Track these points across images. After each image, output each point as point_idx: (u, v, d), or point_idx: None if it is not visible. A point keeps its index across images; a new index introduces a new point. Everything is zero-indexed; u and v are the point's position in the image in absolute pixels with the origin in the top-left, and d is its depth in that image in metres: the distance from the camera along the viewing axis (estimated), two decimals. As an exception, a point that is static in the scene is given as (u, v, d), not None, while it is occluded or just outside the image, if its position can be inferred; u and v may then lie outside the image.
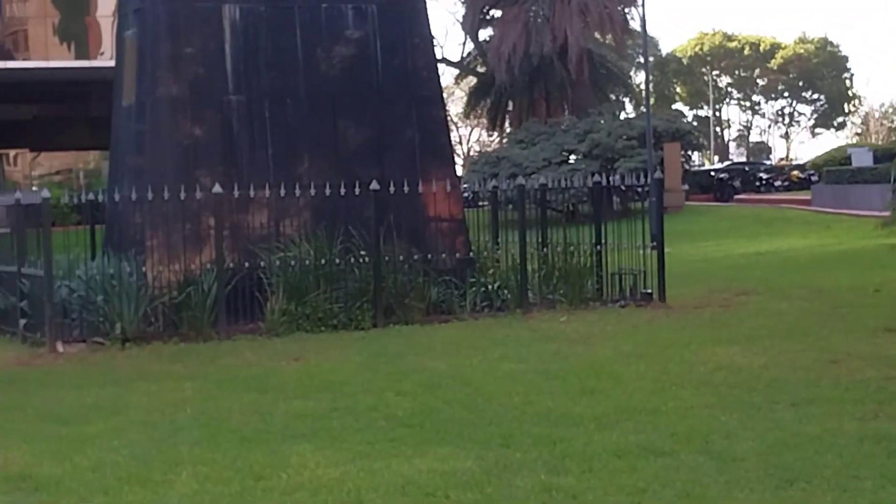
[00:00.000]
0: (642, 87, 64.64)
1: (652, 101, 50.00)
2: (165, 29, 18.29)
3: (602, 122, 48.67)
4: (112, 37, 49.08)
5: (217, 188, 17.17)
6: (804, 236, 33.33)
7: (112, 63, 22.89)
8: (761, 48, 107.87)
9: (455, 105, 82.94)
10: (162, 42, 18.28)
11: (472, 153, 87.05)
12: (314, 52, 18.92)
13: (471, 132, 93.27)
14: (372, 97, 19.15)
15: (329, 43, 19.00)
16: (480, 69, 60.44)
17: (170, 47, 18.24)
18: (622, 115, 57.70)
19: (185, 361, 14.63)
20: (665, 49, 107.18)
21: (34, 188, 53.51)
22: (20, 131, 59.31)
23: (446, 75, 74.62)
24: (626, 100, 67.83)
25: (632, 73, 76.60)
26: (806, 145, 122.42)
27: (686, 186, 49.68)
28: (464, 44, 65.14)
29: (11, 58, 54.41)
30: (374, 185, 17.59)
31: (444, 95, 23.21)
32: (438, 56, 48.65)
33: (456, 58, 66.71)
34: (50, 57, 54.28)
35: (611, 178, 20.33)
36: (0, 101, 58.59)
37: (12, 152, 61.16)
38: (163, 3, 18.33)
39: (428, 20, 20.09)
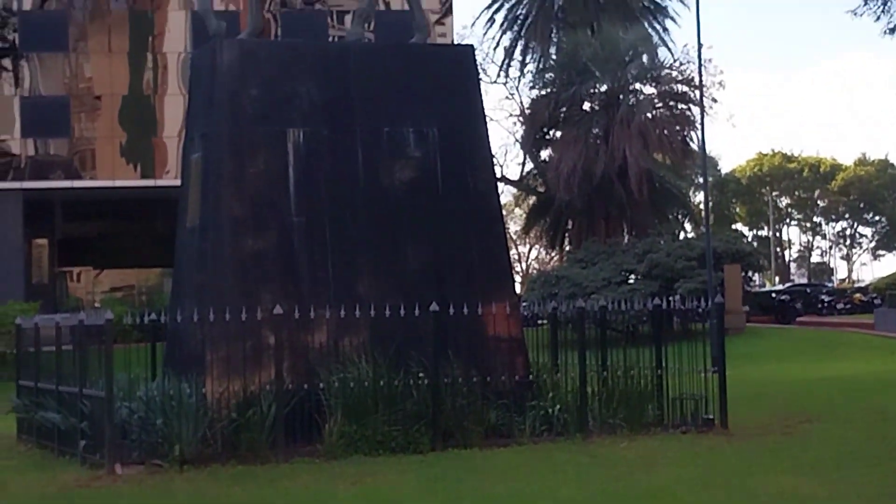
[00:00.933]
0: (701, 207, 64.64)
1: (711, 221, 49.90)
2: (230, 152, 18.56)
3: (661, 242, 48.57)
4: (178, 156, 49.95)
5: (278, 308, 17.24)
6: (868, 361, 32.86)
7: (177, 182, 23.25)
8: (821, 169, 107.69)
9: (514, 223, 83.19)
10: (226, 164, 18.54)
11: (530, 271, 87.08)
12: (375, 174, 19.11)
13: (529, 250, 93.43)
14: (432, 217, 19.27)
15: (390, 164, 19.20)
16: (540, 188, 60.70)
17: (234, 169, 18.50)
18: (682, 236, 57.56)
19: (242, 484, 14.58)
20: (724, 169, 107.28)
21: (96, 305, 54.15)
22: (84, 249, 60.22)
23: (505, 194, 75.05)
24: (686, 220, 67.72)
25: (691, 194, 76.60)
26: (868, 267, 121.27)
27: (747, 308, 49.28)
28: (523, 163, 65.45)
29: (79, 177, 55.47)
30: (434, 307, 17.58)
31: (504, 214, 23.29)
32: (498, 175, 49.03)
33: (515, 176, 67.01)
34: (116, 176, 55.27)
35: (671, 301, 20.22)
36: (66, 219, 59.63)
37: (76, 269, 61.97)
38: (228, 126, 18.64)
39: (488, 141, 20.27)
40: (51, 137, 55.52)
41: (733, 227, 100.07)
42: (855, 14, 37.95)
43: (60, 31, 55.22)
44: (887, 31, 37.94)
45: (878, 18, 37.81)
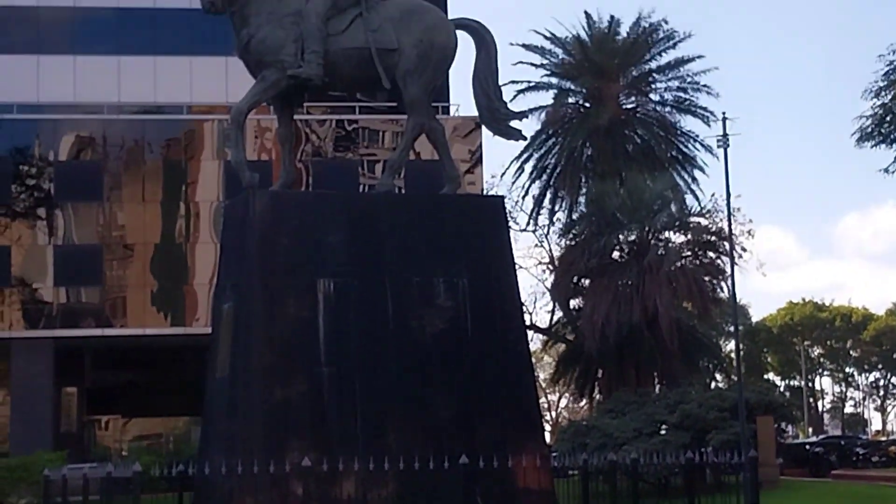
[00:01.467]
0: (732, 356, 64.26)
1: (742, 370, 49.54)
2: (261, 302, 18.63)
3: (693, 392, 48.16)
4: (208, 303, 50.21)
5: (306, 461, 17.09)
6: (905, 515, 32.22)
7: (207, 329, 23.31)
8: (853, 319, 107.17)
9: (543, 371, 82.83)
10: (257, 314, 18.59)
11: (560, 420, 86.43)
12: (405, 323, 19.10)
13: (559, 398, 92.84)
14: (462, 366, 19.20)
15: (420, 314, 19.20)
16: (569, 336, 60.55)
17: (265, 319, 18.54)
18: (712, 385, 57.09)
19: None
20: (755, 318, 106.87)
21: (124, 453, 53.96)
22: (113, 397, 60.29)
23: (534, 341, 74.91)
24: (716, 370, 67.27)
25: (721, 343, 76.24)
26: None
27: (780, 460, 48.60)
28: (552, 311, 65.44)
29: (110, 325, 55.75)
30: (464, 459, 17.40)
31: (533, 362, 23.17)
32: (527, 322, 48.96)
33: (544, 324, 66.95)
34: (146, 324, 55.55)
35: (704, 453, 19.99)
36: (95, 367, 59.81)
37: (104, 418, 61.94)
38: (259, 277, 18.74)
39: (518, 290, 20.31)
40: (83, 286, 55.98)
41: (765, 377, 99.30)
42: (887, 172, 38.33)
43: (95, 181, 56.09)
44: None
45: None
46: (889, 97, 36.97)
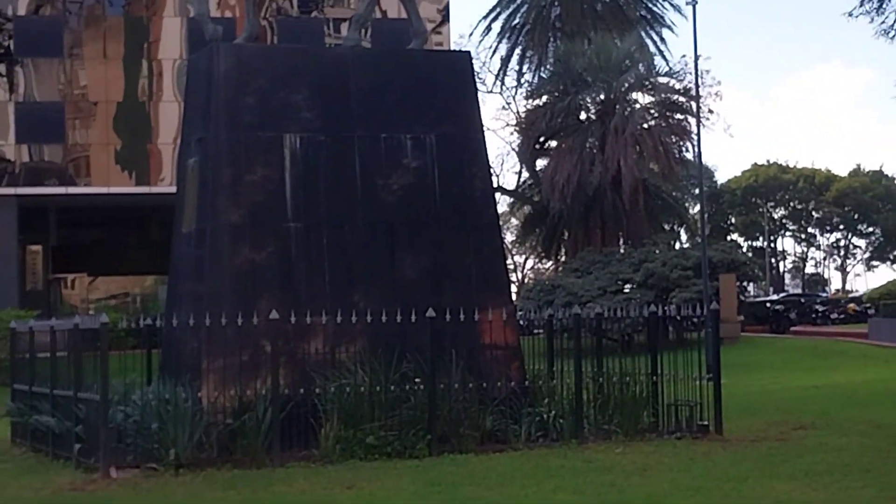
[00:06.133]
0: (697, 217, 64.73)
1: (707, 231, 49.96)
2: (227, 157, 18.56)
3: (657, 251, 48.64)
4: (172, 163, 50.00)
5: (274, 314, 17.23)
6: (862, 370, 32.88)
7: (172, 189, 23.24)
8: (816, 180, 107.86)
9: (510, 233, 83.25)
10: (223, 170, 18.54)
11: (526, 281, 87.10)
12: (373, 181, 19.11)
13: (525, 260, 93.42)
14: (429, 225, 19.28)
15: (387, 172, 19.20)
16: (536, 198, 60.78)
17: (231, 175, 18.50)
18: (677, 246, 57.60)
19: (238, 488, 14.57)
20: (720, 180, 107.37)
21: (91, 312, 54.08)
22: (79, 256, 60.19)
23: (502, 203, 75.04)
24: (682, 230, 67.83)
25: (686, 204, 76.69)
26: (862, 278, 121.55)
27: (741, 317, 49.33)
28: (519, 173, 65.58)
29: (73, 183, 55.47)
30: (431, 313, 17.59)
31: (500, 223, 23.30)
32: (494, 185, 49.02)
33: (511, 186, 67.11)
34: (111, 183, 55.28)
35: (667, 309, 20.25)
36: (60, 226, 59.64)
37: (70, 276, 61.94)
38: (225, 132, 18.64)
39: (486, 150, 20.28)
40: (45, 143, 55.53)
41: (728, 237, 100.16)
42: (850, 16, 38.06)
43: (55, 37, 55.30)
44: (881, 34, 38.12)
45: (872, 20, 37.96)
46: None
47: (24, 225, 55.15)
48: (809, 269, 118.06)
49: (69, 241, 60.60)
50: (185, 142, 20.35)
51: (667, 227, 61.53)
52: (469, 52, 22.35)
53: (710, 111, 54.38)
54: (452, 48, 56.61)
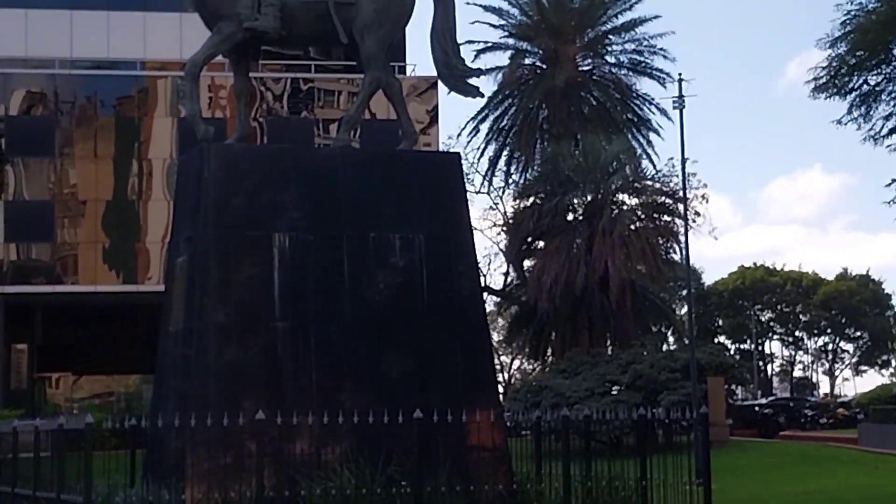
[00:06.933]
0: (684, 319, 64.65)
1: (695, 333, 49.86)
2: (215, 256, 18.51)
3: (645, 353, 48.49)
4: (161, 261, 49.96)
5: (260, 414, 17.04)
6: (852, 476, 32.59)
7: (159, 287, 23.17)
8: (803, 284, 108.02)
9: (497, 333, 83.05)
10: (212, 269, 18.47)
11: (513, 381, 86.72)
12: (361, 280, 19.06)
13: (512, 360, 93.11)
14: (417, 324, 19.19)
15: (376, 271, 19.16)
16: (523, 298, 60.69)
17: (219, 274, 18.43)
18: (665, 347, 57.46)
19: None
20: (707, 282, 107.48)
21: (75, 411, 53.64)
22: (64, 355, 59.88)
23: (489, 303, 74.99)
24: (669, 332, 67.74)
25: (674, 306, 76.72)
26: (850, 382, 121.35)
27: (730, 421, 49.07)
28: (507, 273, 65.57)
29: (60, 282, 55.34)
30: (418, 414, 17.41)
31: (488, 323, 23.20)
32: (482, 284, 48.99)
33: (499, 286, 67.07)
34: (98, 281, 55.16)
35: (655, 412, 20.10)
36: (46, 324, 59.37)
37: (55, 375, 61.56)
38: (214, 231, 18.61)
39: (474, 250, 20.28)
40: (34, 242, 55.49)
41: (716, 339, 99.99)
42: (840, 123, 38.57)
43: (47, 137, 55.53)
44: (868, 139, 38.59)
45: (860, 127, 38.51)
46: (843, 48, 37.09)
47: (9, 323, 54.91)
48: (797, 372, 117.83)
49: (55, 339, 60.28)
50: (174, 240, 20.31)
51: (654, 328, 61.43)
52: (458, 154, 22.46)
53: (697, 213, 54.47)
54: (441, 149, 57.00)
